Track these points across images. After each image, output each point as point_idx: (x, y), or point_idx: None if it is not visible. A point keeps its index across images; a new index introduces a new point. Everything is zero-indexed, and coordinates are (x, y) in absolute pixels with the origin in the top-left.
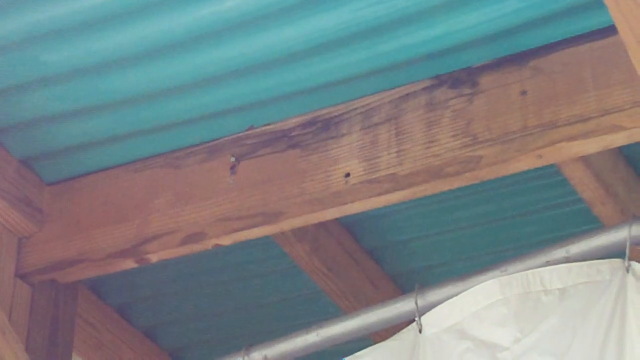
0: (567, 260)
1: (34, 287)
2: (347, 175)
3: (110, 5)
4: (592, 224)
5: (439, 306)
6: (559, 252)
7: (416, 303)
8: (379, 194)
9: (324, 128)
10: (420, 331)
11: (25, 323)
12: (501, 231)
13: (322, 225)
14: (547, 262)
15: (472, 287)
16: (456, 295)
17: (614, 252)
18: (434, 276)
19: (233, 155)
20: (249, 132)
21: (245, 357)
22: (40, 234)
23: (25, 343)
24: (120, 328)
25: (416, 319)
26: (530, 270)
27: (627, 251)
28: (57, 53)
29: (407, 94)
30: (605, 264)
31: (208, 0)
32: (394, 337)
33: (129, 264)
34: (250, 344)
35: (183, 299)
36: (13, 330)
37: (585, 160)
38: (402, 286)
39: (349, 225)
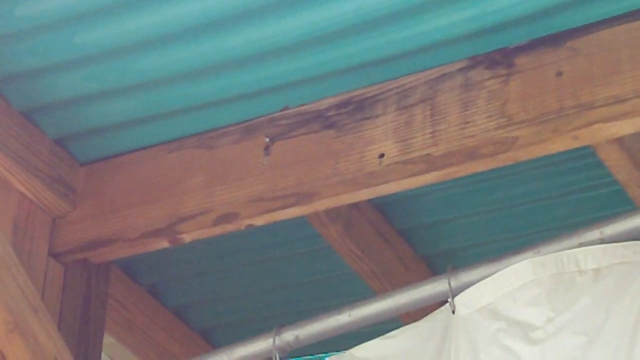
0: (601, 241)
1: (67, 266)
2: (382, 156)
3: None
4: (627, 206)
5: (472, 287)
6: (593, 234)
7: (449, 283)
8: (413, 175)
9: (359, 108)
10: (453, 312)
11: (57, 302)
12: (535, 213)
13: (355, 206)
14: (581, 243)
15: (505, 268)
16: (489, 276)
17: None
18: (466, 258)
19: (267, 136)
20: (284, 112)
21: (277, 338)
22: (73, 213)
23: (58, 322)
24: (152, 308)
25: (449, 299)
26: (565, 251)
27: None
28: (90, 34)
29: (443, 75)
30: None
31: None
32: (427, 317)
33: (162, 244)
34: (282, 324)
35: (215, 279)
36: (46, 309)
37: (621, 141)
38: (434, 268)
39: (382, 207)
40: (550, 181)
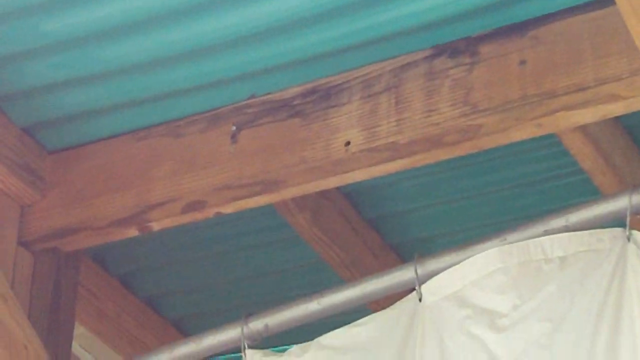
0: (567, 229)
1: (36, 255)
2: (348, 143)
3: None
4: (592, 195)
5: (439, 275)
6: (559, 222)
7: (416, 272)
8: (379, 163)
9: (324, 97)
10: (420, 300)
11: (27, 291)
12: (501, 202)
13: (323, 194)
14: (546, 231)
15: (471, 256)
16: (456, 264)
17: (613, 222)
18: (434, 246)
19: (234, 124)
20: (250, 101)
21: (245, 326)
22: (42, 202)
23: (28, 311)
24: (123, 298)
25: (416, 287)
26: (531, 240)
27: (628, 220)
28: (57, 22)
29: (407, 64)
30: (606, 233)
31: None
32: (394, 305)
33: (131, 232)
34: (251, 313)
35: (185, 268)
36: (15, 298)
37: (584, 130)
38: (403, 256)
39: (350, 195)
40: (517, 170)
